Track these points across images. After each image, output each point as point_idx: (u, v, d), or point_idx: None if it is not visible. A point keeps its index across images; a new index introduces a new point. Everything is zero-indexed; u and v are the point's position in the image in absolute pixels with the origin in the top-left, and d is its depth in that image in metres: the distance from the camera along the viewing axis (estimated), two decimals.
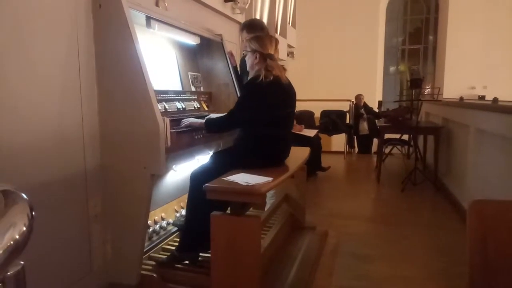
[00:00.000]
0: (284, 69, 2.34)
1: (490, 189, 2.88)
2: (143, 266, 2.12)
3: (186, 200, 2.26)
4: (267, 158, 2.24)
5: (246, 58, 2.38)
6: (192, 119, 2.29)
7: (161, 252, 2.35)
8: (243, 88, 2.34)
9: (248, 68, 2.38)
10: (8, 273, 0.47)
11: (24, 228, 0.45)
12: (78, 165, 1.90)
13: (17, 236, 0.44)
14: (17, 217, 0.45)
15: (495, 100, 3.15)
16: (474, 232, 1.01)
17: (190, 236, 2.19)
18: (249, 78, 2.31)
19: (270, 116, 2.20)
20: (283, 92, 2.29)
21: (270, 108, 2.20)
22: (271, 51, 2.29)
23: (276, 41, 2.37)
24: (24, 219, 0.46)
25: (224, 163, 2.19)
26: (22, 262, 0.47)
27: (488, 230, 1.00)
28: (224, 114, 2.60)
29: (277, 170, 2.19)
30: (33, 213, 0.47)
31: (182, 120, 2.26)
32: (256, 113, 2.20)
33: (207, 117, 2.36)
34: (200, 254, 2.21)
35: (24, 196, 0.48)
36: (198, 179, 2.11)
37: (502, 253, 0.98)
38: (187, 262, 2.20)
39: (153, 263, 2.21)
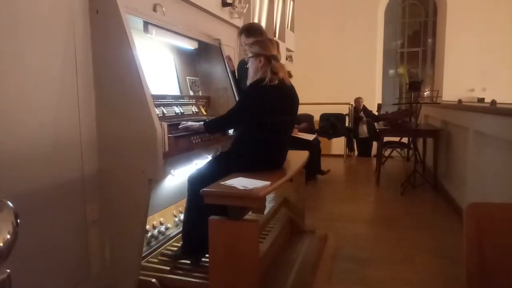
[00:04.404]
0: (290, 75, 2.32)
1: (489, 191, 2.88)
2: (142, 272, 2.11)
3: (185, 204, 2.26)
4: (264, 163, 2.23)
5: (249, 64, 2.35)
6: (190, 123, 2.29)
7: (159, 258, 2.34)
8: (247, 88, 2.30)
9: (252, 74, 2.33)
10: None
11: (8, 236, 0.44)
12: (76, 170, 1.90)
13: (1, 244, 0.43)
14: (1, 224, 0.45)
15: (493, 102, 3.15)
16: (471, 234, 1.00)
17: (190, 241, 2.19)
18: (253, 80, 2.27)
19: (270, 121, 2.20)
20: (286, 99, 2.28)
21: (271, 113, 2.19)
22: (274, 52, 2.29)
23: (277, 43, 2.37)
24: (9, 226, 0.45)
25: (221, 167, 2.18)
26: (8, 271, 0.47)
27: (484, 232, 0.99)
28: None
29: (276, 174, 2.18)
30: (18, 220, 0.47)
31: (181, 123, 2.27)
32: (256, 115, 2.19)
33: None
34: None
35: (10, 203, 0.48)
36: (196, 183, 2.11)
37: (498, 255, 0.98)
38: (188, 262, 2.22)
39: (152, 266, 2.21)
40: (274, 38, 5.55)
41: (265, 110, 2.18)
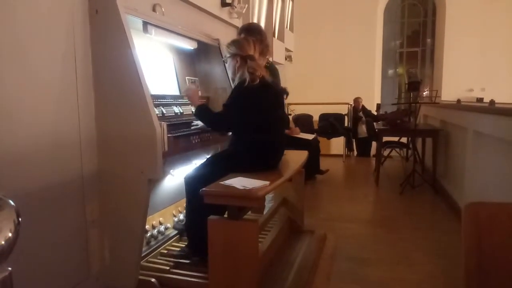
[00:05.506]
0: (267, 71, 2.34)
1: (488, 191, 2.88)
2: (141, 271, 2.11)
3: (185, 205, 2.26)
4: (260, 163, 2.23)
5: (227, 65, 2.39)
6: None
7: (159, 257, 2.35)
8: (233, 92, 2.27)
9: (231, 75, 2.38)
10: None
11: (10, 234, 0.45)
12: (75, 170, 1.90)
13: (3, 242, 0.44)
14: (3, 223, 0.45)
15: (492, 102, 3.16)
16: (469, 233, 1.01)
17: (194, 241, 2.19)
18: (235, 82, 2.30)
19: (261, 121, 2.20)
20: (271, 95, 2.29)
21: (260, 112, 2.20)
22: (250, 52, 2.30)
23: (254, 43, 2.36)
24: (10, 225, 0.45)
25: (218, 167, 2.18)
26: (9, 268, 0.47)
27: (483, 232, 1.00)
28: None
29: (275, 173, 2.19)
30: (20, 219, 0.47)
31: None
32: (246, 117, 2.19)
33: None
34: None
35: (11, 202, 0.48)
36: (194, 183, 2.11)
37: (497, 255, 0.99)
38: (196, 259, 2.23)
39: (151, 266, 2.21)
40: (274, 38, 5.55)
41: (254, 109, 2.19)
